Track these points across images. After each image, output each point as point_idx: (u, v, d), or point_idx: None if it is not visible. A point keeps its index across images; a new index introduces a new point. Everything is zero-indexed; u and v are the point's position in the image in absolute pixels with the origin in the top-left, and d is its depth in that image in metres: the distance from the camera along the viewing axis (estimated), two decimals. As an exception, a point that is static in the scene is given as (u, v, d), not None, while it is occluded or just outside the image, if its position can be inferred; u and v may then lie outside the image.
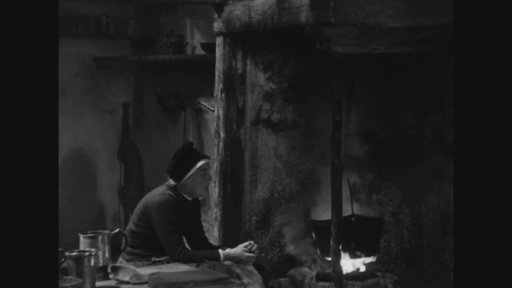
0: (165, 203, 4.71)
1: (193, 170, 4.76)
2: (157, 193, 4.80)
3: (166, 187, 4.82)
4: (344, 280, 4.75)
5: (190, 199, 4.84)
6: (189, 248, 4.77)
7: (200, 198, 5.04)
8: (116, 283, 3.89)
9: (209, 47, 5.94)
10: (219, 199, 5.48)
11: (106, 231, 4.13)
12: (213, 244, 5.12)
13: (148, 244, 4.72)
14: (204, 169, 4.80)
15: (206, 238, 5.04)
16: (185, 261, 4.55)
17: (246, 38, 5.40)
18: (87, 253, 3.72)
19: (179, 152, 4.85)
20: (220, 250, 4.75)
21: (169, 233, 4.66)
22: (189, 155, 4.83)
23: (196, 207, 4.97)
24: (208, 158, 4.88)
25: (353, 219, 5.23)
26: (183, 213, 4.79)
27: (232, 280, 3.91)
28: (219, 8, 5.38)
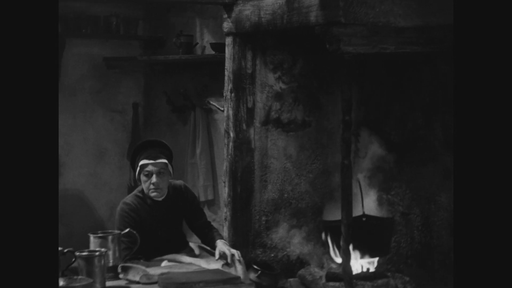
0: (118, 213, 4.67)
1: (137, 169, 4.69)
2: (125, 198, 4.79)
3: (137, 190, 4.79)
4: (354, 280, 4.74)
5: (159, 199, 4.70)
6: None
7: (155, 199, 4.71)
8: (126, 283, 3.90)
9: (219, 47, 5.94)
10: (229, 199, 5.48)
11: (116, 231, 4.14)
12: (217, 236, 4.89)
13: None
14: (146, 171, 4.63)
15: (209, 229, 4.87)
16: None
17: (255, 38, 5.40)
18: (97, 253, 3.73)
19: (132, 149, 4.86)
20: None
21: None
22: (135, 153, 4.76)
23: (176, 205, 4.80)
24: (161, 158, 4.66)
25: (364, 219, 5.22)
26: (153, 216, 4.68)
27: (242, 280, 3.91)
28: (229, 8, 5.38)
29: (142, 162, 4.65)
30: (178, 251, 4.73)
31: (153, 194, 4.66)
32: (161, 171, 4.65)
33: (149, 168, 4.63)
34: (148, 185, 4.65)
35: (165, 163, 4.67)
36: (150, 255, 4.58)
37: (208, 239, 4.83)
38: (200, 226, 4.89)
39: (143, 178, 4.66)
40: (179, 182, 4.95)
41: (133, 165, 4.76)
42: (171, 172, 4.74)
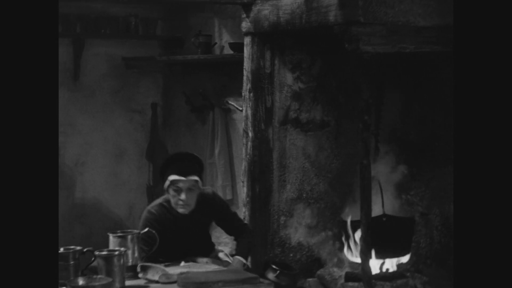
0: (142, 221, 4.64)
1: (167, 182, 4.60)
2: (151, 205, 4.76)
3: (163, 198, 4.73)
4: (373, 281, 4.73)
5: (185, 212, 4.63)
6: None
7: (181, 212, 4.64)
8: (145, 282, 3.91)
9: (237, 47, 5.94)
10: (248, 199, 5.48)
11: (136, 231, 4.15)
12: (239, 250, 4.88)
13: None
14: (176, 186, 4.57)
15: (239, 236, 4.86)
16: None
17: (274, 38, 5.40)
18: (116, 252, 3.74)
19: (164, 160, 4.81)
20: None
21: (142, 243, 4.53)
22: (167, 166, 4.67)
23: (203, 215, 4.74)
24: (192, 175, 4.58)
25: (384, 219, 5.20)
26: (177, 228, 4.63)
27: (261, 280, 3.91)
28: (247, 8, 5.38)
29: (172, 177, 4.58)
30: (201, 255, 4.68)
31: (180, 210, 4.61)
32: (191, 188, 4.59)
33: (180, 184, 4.57)
34: (177, 201, 4.60)
35: (196, 180, 4.60)
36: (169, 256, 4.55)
37: (235, 247, 4.85)
38: (232, 231, 4.90)
39: (172, 192, 4.60)
40: (208, 190, 4.91)
41: (163, 176, 4.67)
42: (201, 188, 4.68)
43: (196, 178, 4.60)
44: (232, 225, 4.88)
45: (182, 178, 4.56)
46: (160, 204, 4.70)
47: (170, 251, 4.51)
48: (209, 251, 4.83)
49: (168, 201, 4.65)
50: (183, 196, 4.56)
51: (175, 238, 4.61)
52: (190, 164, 4.68)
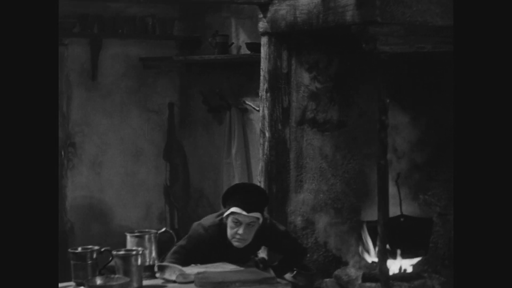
0: (193, 235, 4.56)
1: (227, 212, 4.48)
2: (208, 221, 4.61)
3: (221, 219, 4.56)
4: (391, 281, 4.71)
5: (240, 247, 4.49)
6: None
7: (235, 245, 4.51)
8: (162, 282, 3.91)
9: (254, 47, 5.94)
10: (265, 199, 5.47)
11: (153, 230, 4.15)
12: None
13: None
14: (236, 218, 4.45)
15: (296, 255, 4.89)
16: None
17: (291, 38, 5.39)
18: (134, 252, 3.75)
19: (231, 186, 4.73)
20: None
21: (175, 252, 4.51)
22: (231, 194, 4.56)
23: (255, 246, 4.66)
24: (254, 211, 4.45)
25: (401, 219, 5.19)
26: (224, 254, 4.49)
27: (279, 280, 3.90)
28: (264, 8, 5.38)
29: (234, 209, 4.44)
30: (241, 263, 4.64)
31: (235, 244, 4.48)
32: (251, 224, 4.46)
33: (241, 218, 4.44)
34: (234, 234, 4.46)
35: (257, 217, 4.48)
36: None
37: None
38: (289, 255, 4.87)
39: (230, 223, 4.46)
40: (267, 222, 4.67)
41: (224, 202, 4.56)
42: (260, 223, 4.53)
43: (258, 215, 4.48)
44: (287, 248, 4.83)
45: (244, 213, 4.43)
46: (217, 225, 4.56)
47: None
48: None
49: (225, 226, 4.51)
50: (241, 231, 4.44)
51: (218, 260, 4.48)
52: (256, 199, 4.54)
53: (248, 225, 4.45)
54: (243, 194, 4.53)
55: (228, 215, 4.48)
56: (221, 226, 4.54)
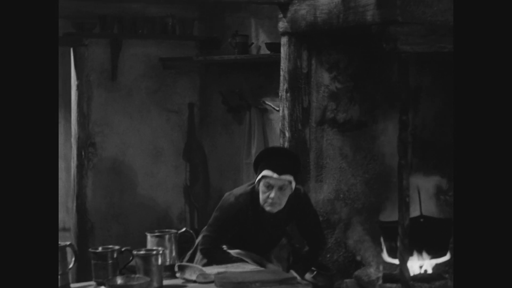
0: (225, 205, 4.49)
1: (259, 176, 4.39)
2: (239, 191, 4.53)
3: (252, 187, 4.46)
4: (411, 282, 4.69)
5: (272, 211, 4.40)
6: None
7: (267, 210, 4.42)
8: (183, 282, 3.91)
9: (274, 47, 5.94)
10: (284, 199, 5.47)
11: (173, 230, 4.16)
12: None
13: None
14: (267, 182, 4.34)
15: (311, 254, 4.79)
16: (203, 255, 4.50)
17: (311, 38, 5.39)
18: (154, 252, 3.75)
19: (261, 151, 4.63)
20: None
21: (209, 228, 4.50)
22: (262, 158, 4.44)
23: (288, 214, 4.52)
24: (286, 174, 4.33)
25: (421, 220, 5.16)
26: (258, 223, 4.45)
27: (299, 280, 3.90)
28: (284, 8, 5.37)
29: (265, 172, 4.33)
30: (272, 248, 4.66)
31: (267, 208, 4.37)
32: (283, 187, 4.34)
33: (272, 181, 4.32)
34: (265, 198, 4.35)
35: (289, 180, 4.35)
36: (240, 247, 4.53)
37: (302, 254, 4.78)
38: (309, 240, 4.77)
39: (262, 188, 4.35)
40: (300, 191, 4.60)
41: (256, 167, 4.46)
42: (293, 188, 4.42)
43: (290, 178, 4.36)
44: (311, 235, 4.74)
45: (275, 175, 4.32)
46: (249, 193, 4.46)
47: (242, 243, 4.47)
48: (280, 240, 4.73)
49: (257, 192, 4.41)
50: (273, 194, 4.32)
51: (252, 231, 4.48)
52: (287, 162, 4.40)
53: (280, 188, 4.33)
54: (273, 157, 4.42)
55: (259, 180, 4.37)
56: (252, 194, 4.44)
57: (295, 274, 4.22)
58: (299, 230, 4.77)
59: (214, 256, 4.43)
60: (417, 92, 5.48)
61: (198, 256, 4.55)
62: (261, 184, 4.36)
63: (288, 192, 4.39)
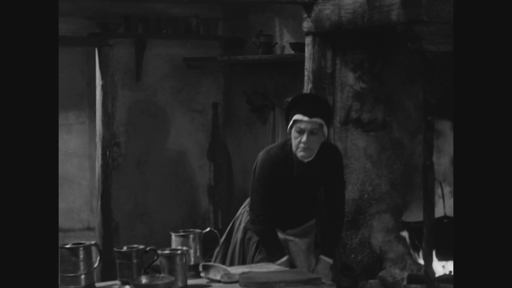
0: (261, 163, 4.46)
1: (290, 123, 4.36)
2: (271, 146, 4.59)
3: (285, 141, 4.49)
4: (436, 283, 4.67)
5: (305, 160, 4.37)
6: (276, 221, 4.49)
7: (301, 159, 4.38)
8: (207, 282, 3.91)
9: (298, 47, 5.93)
10: (308, 199, 5.46)
11: (198, 230, 4.16)
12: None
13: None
14: (299, 127, 4.31)
15: (330, 221, 4.63)
16: (255, 232, 4.50)
17: (335, 37, 5.37)
18: (179, 252, 3.76)
19: (292, 97, 4.56)
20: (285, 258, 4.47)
21: (254, 194, 4.50)
22: (293, 105, 4.40)
23: (322, 167, 4.47)
24: (317, 117, 4.29)
25: (445, 220, 5.14)
26: (293, 175, 4.42)
27: (323, 280, 3.89)
28: (309, 8, 5.36)
29: (296, 117, 4.31)
30: (305, 220, 4.63)
31: (300, 154, 4.34)
32: (314, 131, 4.31)
33: (303, 125, 4.29)
34: (297, 143, 4.32)
35: (320, 123, 4.32)
36: (277, 217, 4.52)
37: (320, 235, 4.66)
38: (329, 202, 4.64)
39: (294, 134, 4.33)
40: (333, 145, 4.74)
41: (287, 116, 4.42)
42: (326, 135, 4.41)
43: (321, 121, 4.33)
44: (334, 195, 4.63)
45: (306, 118, 4.29)
46: (280, 147, 4.48)
47: (281, 199, 4.46)
48: (314, 215, 4.70)
49: (289, 145, 4.41)
50: (304, 137, 4.29)
51: (289, 185, 4.46)
52: (317, 106, 4.39)
53: (311, 132, 4.31)
54: (304, 101, 4.42)
55: (291, 127, 4.37)
56: (284, 147, 4.45)
57: (317, 275, 4.19)
58: (324, 193, 4.67)
59: (268, 243, 4.45)
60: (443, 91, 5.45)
61: (251, 251, 4.54)
62: (293, 130, 4.35)
63: (320, 138, 4.37)
